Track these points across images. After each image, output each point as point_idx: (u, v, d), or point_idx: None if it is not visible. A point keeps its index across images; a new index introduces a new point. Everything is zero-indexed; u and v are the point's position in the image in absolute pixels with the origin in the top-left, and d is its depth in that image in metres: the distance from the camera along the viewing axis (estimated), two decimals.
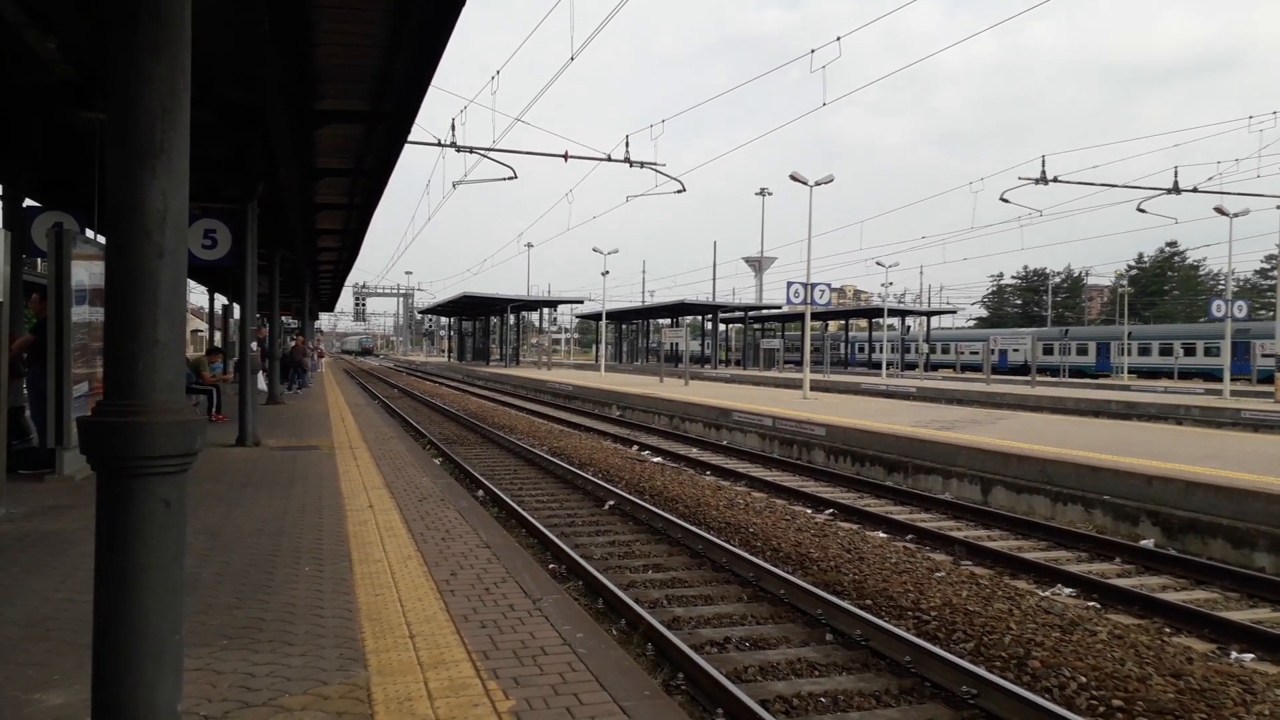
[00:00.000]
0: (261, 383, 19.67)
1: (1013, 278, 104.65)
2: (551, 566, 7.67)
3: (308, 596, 4.99)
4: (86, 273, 8.71)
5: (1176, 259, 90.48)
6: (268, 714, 3.38)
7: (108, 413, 2.54)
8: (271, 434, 13.54)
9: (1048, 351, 56.67)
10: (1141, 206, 29.66)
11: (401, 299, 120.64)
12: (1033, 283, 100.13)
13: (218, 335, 28.42)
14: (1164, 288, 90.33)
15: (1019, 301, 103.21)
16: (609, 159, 22.61)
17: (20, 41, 7.86)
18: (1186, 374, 48.41)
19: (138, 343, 2.54)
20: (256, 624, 4.46)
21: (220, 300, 29.60)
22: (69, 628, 4.30)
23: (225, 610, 4.68)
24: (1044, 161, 26.77)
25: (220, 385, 16.17)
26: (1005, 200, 28.74)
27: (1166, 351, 50.93)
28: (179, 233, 2.60)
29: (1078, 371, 54.81)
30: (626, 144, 22.58)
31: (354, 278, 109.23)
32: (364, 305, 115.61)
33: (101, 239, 9.69)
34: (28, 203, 11.32)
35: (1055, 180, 27.16)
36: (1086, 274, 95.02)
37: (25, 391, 9.33)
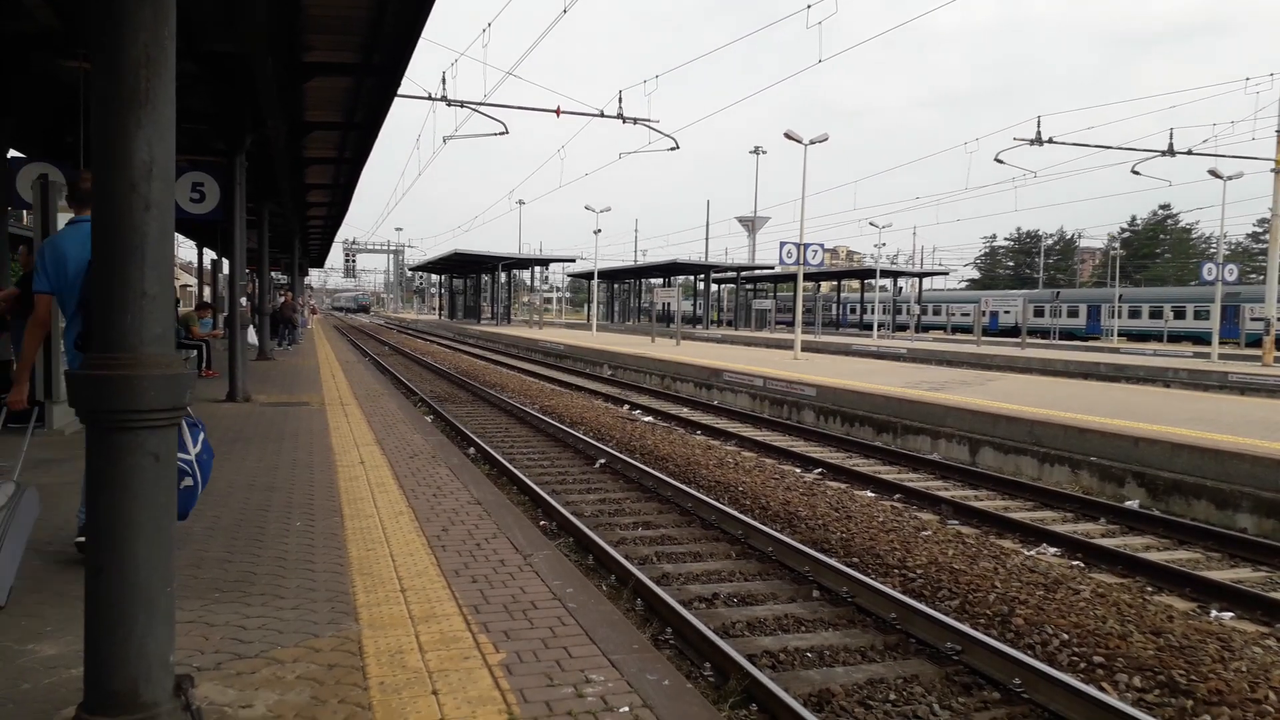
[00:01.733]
0: (252, 338, 19.62)
1: (1005, 239, 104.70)
2: (542, 523, 7.72)
3: (299, 551, 5.02)
4: None
5: (1169, 222, 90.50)
6: (260, 665, 3.42)
7: (96, 366, 2.53)
8: (262, 390, 13.52)
9: (1039, 314, 56.83)
10: (1136, 169, 29.60)
11: (392, 256, 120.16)
12: (1025, 244, 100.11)
13: (207, 290, 28.26)
14: (1156, 251, 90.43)
15: (1011, 263, 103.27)
16: (602, 115, 22.41)
17: None
18: (1176, 337, 48.65)
19: (125, 296, 2.52)
20: (248, 577, 4.49)
21: (209, 255, 29.36)
22: (61, 580, 4.32)
23: (217, 564, 4.71)
24: (1039, 122, 26.65)
25: (210, 340, 16.12)
26: (1000, 161, 28.63)
27: (1157, 315, 51.13)
28: (166, 184, 2.57)
29: (1068, 334, 55.04)
30: (620, 100, 22.37)
31: (344, 233, 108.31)
32: (354, 262, 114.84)
33: None
34: (12, 154, 11.16)
35: (1050, 141, 27.06)
36: (1079, 236, 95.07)
37: (11, 346, 9.28)
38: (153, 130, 2.52)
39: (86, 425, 2.57)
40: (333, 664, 3.46)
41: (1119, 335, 51.21)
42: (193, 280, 41.86)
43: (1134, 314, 52.55)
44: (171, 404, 2.58)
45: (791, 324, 37.90)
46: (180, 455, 4.16)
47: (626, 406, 17.01)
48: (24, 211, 11.64)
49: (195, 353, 15.07)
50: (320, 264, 58.53)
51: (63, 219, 8.30)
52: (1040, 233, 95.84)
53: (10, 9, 8.38)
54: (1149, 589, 6.49)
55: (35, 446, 8.00)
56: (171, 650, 2.67)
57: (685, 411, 16.53)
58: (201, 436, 4.66)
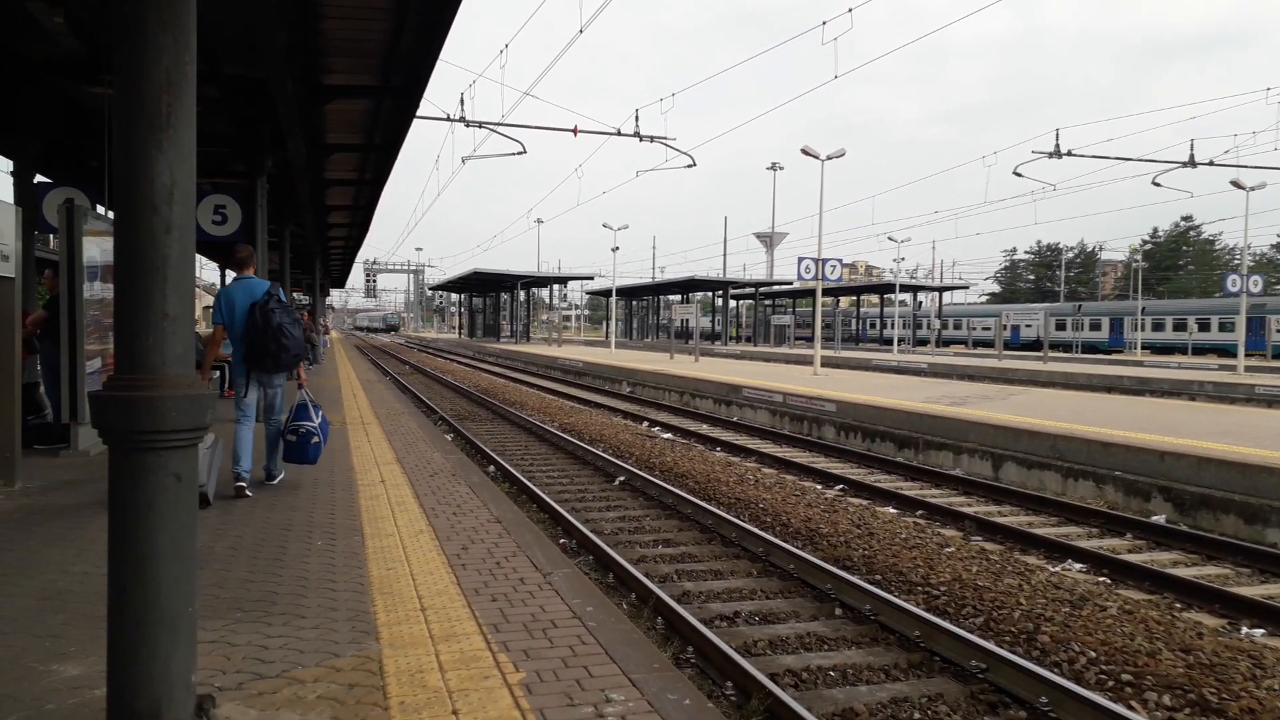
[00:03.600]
0: None
1: (1025, 253, 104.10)
2: (562, 541, 7.71)
3: (320, 570, 5.03)
4: (98, 249, 8.74)
5: (1192, 233, 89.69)
6: (281, 685, 3.42)
7: (119, 387, 2.55)
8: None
9: (1060, 327, 56.41)
10: (1157, 180, 29.36)
11: (412, 275, 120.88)
12: (1045, 258, 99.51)
13: None
14: (1179, 262, 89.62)
15: (1032, 277, 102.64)
16: (619, 133, 22.49)
17: (26, 14, 7.84)
18: (1201, 350, 48.11)
19: (147, 317, 2.54)
20: (270, 597, 4.50)
21: (231, 276, 29.71)
22: (85, 600, 4.35)
23: (238, 584, 4.73)
24: (1058, 135, 26.52)
25: (230, 361, 16.24)
26: (1018, 174, 28.51)
27: (1180, 327, 50.62)
28: (187, 207, 2.60)
29: (1091, 347, 54.56)
30: (636, 118, 22.44)
31: (364, 254, 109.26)
32: (375, 281, 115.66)
33: (112, 214, 9.71)
34: (38, 179, 11.34)
35: (1069, 154, 26.90)
36: (1100, 249, 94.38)
37: (39, 368, 9.40)
38: (174, 154, 2.55)
39: (110, 446, 2.59)
40: (353, 684, 3.46)
41: (1142, 348, 50.74)
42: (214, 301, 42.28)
43: (1157, 326, 52.06)
44: (193, 424, 2.60)
45: (810, 339, 37.78)
46: (307, 424, 7.40)
47: (645, 423, 16.99)
48: (50, 235, 11.80)
49: (218, 374, 15.19)
50: (341, 284, 59.07)
51: (89, 243, 8.43)
52: (1061, 246, 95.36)
53: (35, 35, 8.53)
54: (1177, 605, 6.38)
55: (59, 467, 8.09)
56: (194, 670, 2.68)
57: (705, 428, 16.49)
58: (321, 413, 7.63)
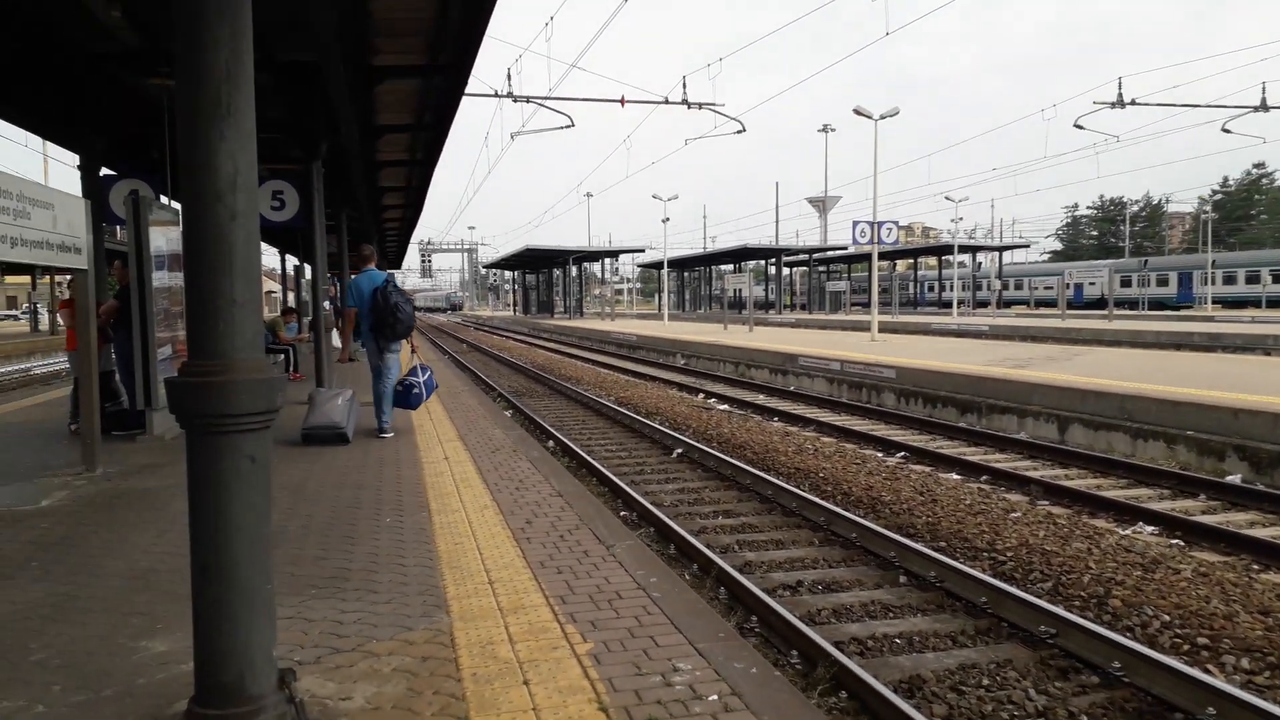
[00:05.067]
0: (335, 340, 20.14)
1: (1088, 208, 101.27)
2: (623, 514, 7.77)
3: (390, 546, 5.14)
4: (164, 238, 8.97)
5: (1264, 181, 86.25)
6: (357, 659, 3.52)
7: (192, 373, 2.63)
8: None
9: (1125, 284, 54.82)
10: (1226, 127, 28.28)
11: (466, 254, 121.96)
12: (1109, 212, 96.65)
13: (290, 295, 29.12)
14: (1251, 212, 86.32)
15: (1095, 233, 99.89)
16: (666, 101, 22.34)
17: (85, 9, 8.02)
18: (1276, 302, 46.40)
19: (216, 304, 2.61)
20: (342, 574, 4.62)
21: (291, 261, 30.23)
22: (168, 579, 4.51)
23: (312, 561, 4.86)
24: (1120, 84, 25.69)
25: (296, 344, 16.60)
26: (1079, 127, 27.66)
27: (1254, 280, 48.84)
28: (250, 194, 2.65)
29: (1158, 304, 52.96)
30: (684, 85, 22.27)
31: (419, 234, 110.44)
32: (430, 261, 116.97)
33: (176, 205, 9.94)
34: (104, 172, 11.63)
35: (1133, 103, 26.04)
36: (1167, 201, 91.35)
37: (113, 356, 9.70)
38: (235, 142, 2.60)
39: (185, 430, 2.67)
40: (426, 656, 3.54)
41: (1213, 303, 49.10)
42: (277, 286, 43.18)
43: (1229, 280, 50.28)
44: (264, 407, 2.67)
45: (867, 305, 37.33)
46: (412, 379, 9.38)
47: (701, 395, 16.98)
48: (118, 227, 12.13)
49: (283, 357, 15.56)
50: (398, 265, 59.77)
51: (154, 232, 8.66)
52: (1125, 199, 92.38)
53: (94, 32, 8.73)
54: (1255, 567, 6.21)
55: (137, 452, 8.37)
56: (274, 645, 2.77)
57: (761, 398, 16.43)
58: (429, 372, 9.64)
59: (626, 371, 22.43)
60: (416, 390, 9.42)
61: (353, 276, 10.21)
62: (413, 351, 9.82)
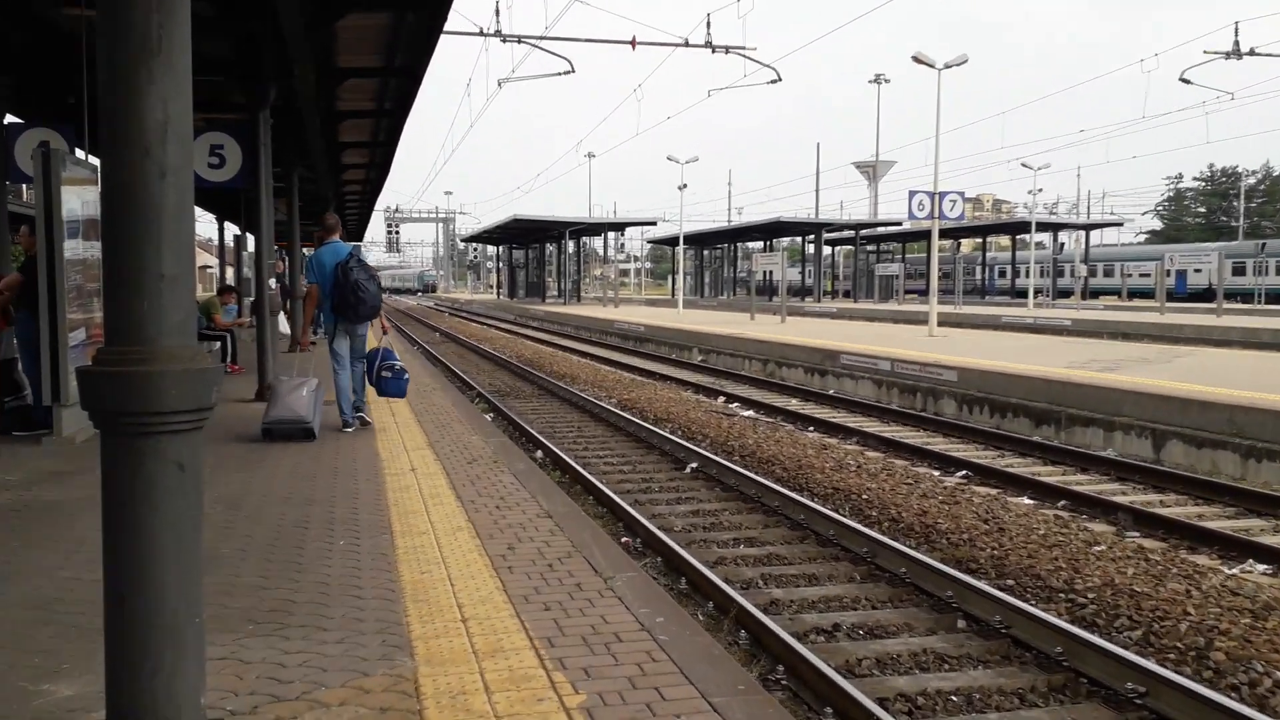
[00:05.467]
0: (283, 326, 20.19)
1: (1194, 180, 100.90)
2: (625, 540, 7.78)
3: (344, 574, 5.16)
4: (79, 200, 8.95)
5: None
6: (302, 709, 3.52)
7: (108, 361, 2.61)
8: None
9: (1239, 271, 54.62)
10: None
11: (441, 225, 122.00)
12: (1220, 185, 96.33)
13: (230, 272, 29.19)
14: None
15: (1202, 209, 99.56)
16: (686, 44, 22.33)
17: None
18: None
19: (140, 279, 2.59)
20: (286, 606, 4.63)
21: (231, 230, 30.30)
22: (77, 609, 4.53)
23: (250, 591, 4.87)
24: (1237, 30, 25.58)
25: (235, 330, 16.64)
26: (1186, 81, 27.58)
27: None
28: (183, 147, 2.64)
29: (1277, 296, 52.74)
30: (708, 25, 22.23)
31: (385, 200, 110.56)
32: (398, 233, 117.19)
33: (95, 160, 9.95)
34: (9, 119, 11.66)
35: (1251, 53, 25.92)
36: None
37: (14, 341, 9.70)
38: (168, 84, 2.58)
39: (100, 430, 2.67)
40: (385, 707, 3.55)
41: None
42: (213, 260, 43.28)
43: None
44: (195, 404, 2.65)
45: (924, 293, 37.30)
46: (397, 362, 10.01)
47: (722, 399, 17.00)
48: (23, 185, 12.15)
49: (219, 344, 15.60)
50: (360, 237, 59.82)
51: (68, 192, 8.67)
52: (1240, 170, 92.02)
53: None
54: None
55: (42, 456, 8.40)
56: (203, 692, 2.77)
57: (794, 404, 16.46)
58: (397, 362, 10.10)
59: (631, 369, 22.46)
60: (407, 376, 10.15)
61: (314, 249, 10.56)
62: (384, 333, 10.25)
